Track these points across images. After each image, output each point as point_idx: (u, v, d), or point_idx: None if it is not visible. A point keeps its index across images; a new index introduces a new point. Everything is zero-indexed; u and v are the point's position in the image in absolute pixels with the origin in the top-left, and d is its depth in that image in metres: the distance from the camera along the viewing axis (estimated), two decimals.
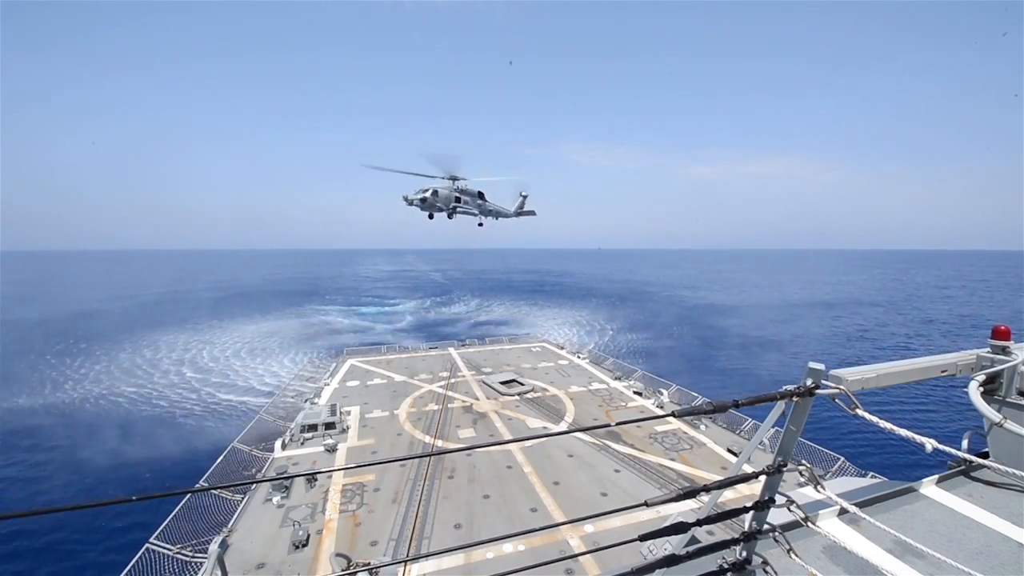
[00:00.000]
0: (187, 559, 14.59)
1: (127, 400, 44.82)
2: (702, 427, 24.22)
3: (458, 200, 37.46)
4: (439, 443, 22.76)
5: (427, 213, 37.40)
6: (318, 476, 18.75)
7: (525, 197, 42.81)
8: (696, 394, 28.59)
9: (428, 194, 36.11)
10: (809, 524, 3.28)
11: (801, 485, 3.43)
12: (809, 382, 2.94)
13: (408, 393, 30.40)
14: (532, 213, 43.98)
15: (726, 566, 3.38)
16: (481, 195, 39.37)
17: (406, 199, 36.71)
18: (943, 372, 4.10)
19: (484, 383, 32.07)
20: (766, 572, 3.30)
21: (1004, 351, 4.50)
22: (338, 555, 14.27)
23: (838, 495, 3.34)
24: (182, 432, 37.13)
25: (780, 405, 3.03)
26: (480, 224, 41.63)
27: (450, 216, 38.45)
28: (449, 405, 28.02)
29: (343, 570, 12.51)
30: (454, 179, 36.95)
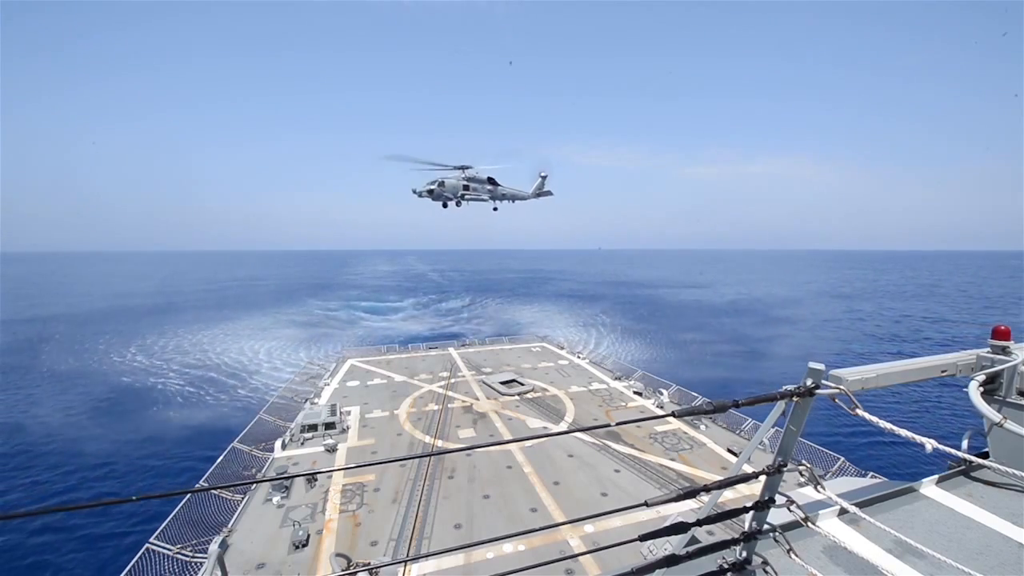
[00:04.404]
0: (187, 559, 14.58)
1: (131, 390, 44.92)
2: (702, 427, 24.21)
3: (466, 188, 38.34)
4: (439, 443, 22.75)
5: (439, 203, 38.61)
6: (318, 476, 18.75)
7: (544, 177, 42.78)
8: (696, 394, 28.58)
9: (435, 185, 37.15)
10: (809, 524, 3.28)
11: (801, 485, 3.43)
12: (809, 382, 2.94)
13: (408, 393, 30.39)
14: (550, 193, 43.94)
15: (726, 566, 3.38)
16: (492, 180, 40.01)
17: (415, 191, 37.58)
18: (943, 372, 4.10)
19: (484, 383, 32.06)
20: (766, 572, 3.30)
21: (1004, 351, 4.50)
22: (338, 555, 14.27)
23: (838, 495, 3.34)
24: (178, 428, 37.15)
25: (780, 405, 3.03)
26: (495, 209, 42.48)
27: (458, 204, 39.27)
28: (449, 405, 28.02)
29: (343, 570, 12.51)
30: (463, 168, 37.77)
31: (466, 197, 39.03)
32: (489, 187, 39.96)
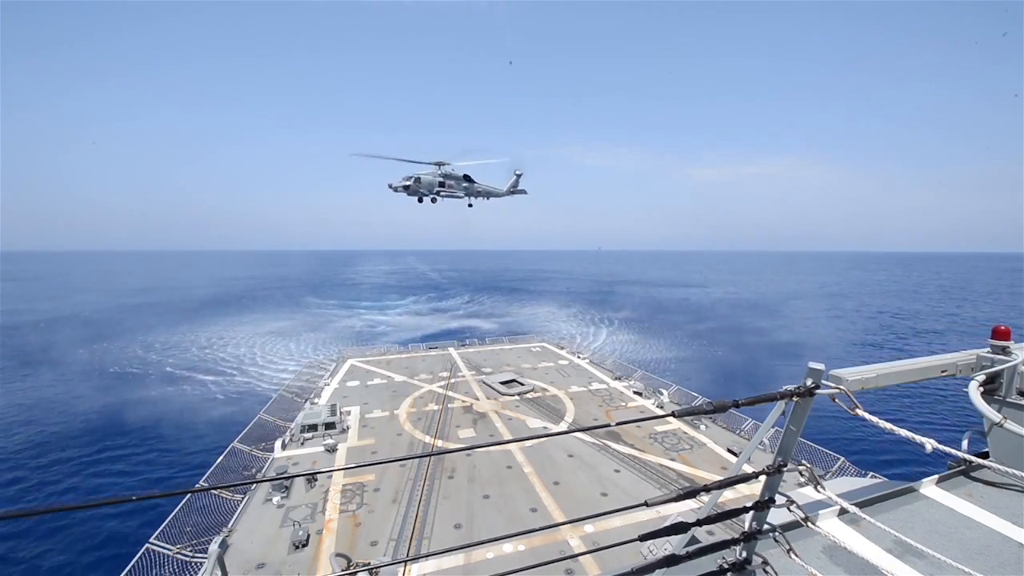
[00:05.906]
0: (187, 559, 14.59)
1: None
2: (702, 427, 24.22)
3: (442, 185, 38.89)
4: (439, 443, 22.76)
5: (415, 198, 39.13)
6: (318, 476, 18.75)
7: (519, 176, 43.35)
8: (696, 394, 28.61)
9: (411, 181, 37.66)
10: (809, 524, 3.27)
11: (801, 485, 3.42)
12: (809, 382, 2.94)
13: (408, 393, 30.39)
14: (524, 192, 44.54)
15: (726, 566, 3.37)
16: (468, 178, 40.44)
17: (391, 186, 38.04)
18: (943, 372, 4.09)
19: (484, 383, 32.06)
20: (766, 572, 3.29)
21: (1004, 351, 4.49)
22: (338, 555, 14.27)
23: (838, 495, 3.33)
24: (177, 427, 37.14)
25: (780, 405, 3.02)
26: (470, 205, 42.92)
27: (433, 200, 39.72)
28: (449, 405, 28.02)
29: (343, 570, 12.51)
30: (439, 165, 38.25)
31: (441, 194, 39.55)
32: (465, 184, 40.44)
